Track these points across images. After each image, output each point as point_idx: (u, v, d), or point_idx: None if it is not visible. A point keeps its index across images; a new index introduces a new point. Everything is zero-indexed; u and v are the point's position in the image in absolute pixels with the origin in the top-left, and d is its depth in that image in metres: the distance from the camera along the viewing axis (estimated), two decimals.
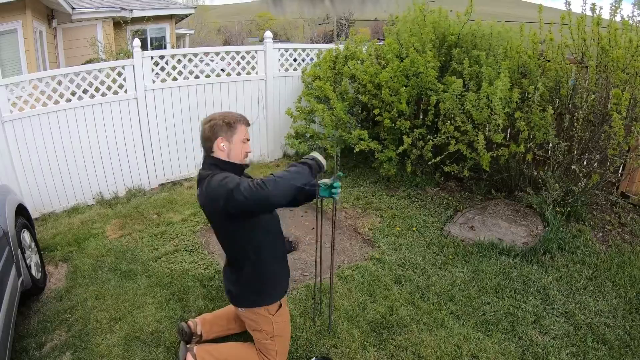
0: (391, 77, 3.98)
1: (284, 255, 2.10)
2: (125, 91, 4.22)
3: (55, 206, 4.08)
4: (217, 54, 4.86)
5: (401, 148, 4.00)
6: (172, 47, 11.09)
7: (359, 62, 4.46)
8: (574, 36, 3.40)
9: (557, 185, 3.38)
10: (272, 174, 1.69)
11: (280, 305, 2.04)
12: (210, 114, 1.94)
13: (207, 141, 1.87)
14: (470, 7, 3.98)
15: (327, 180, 1.97)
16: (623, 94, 2.92)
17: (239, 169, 1.90)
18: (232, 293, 2.03)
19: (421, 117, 4.42)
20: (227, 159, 1.87)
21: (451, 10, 4.43)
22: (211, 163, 1.87)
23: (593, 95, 3.24)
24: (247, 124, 1.93)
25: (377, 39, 5.52)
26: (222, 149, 1.86)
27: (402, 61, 4.05)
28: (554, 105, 3.48)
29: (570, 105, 3.49)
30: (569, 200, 3.50)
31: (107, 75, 4.08)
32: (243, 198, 1.61)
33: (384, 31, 5.07)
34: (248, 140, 1.93)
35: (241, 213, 1.73)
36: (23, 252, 2.65)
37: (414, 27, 4.30)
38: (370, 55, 4.42)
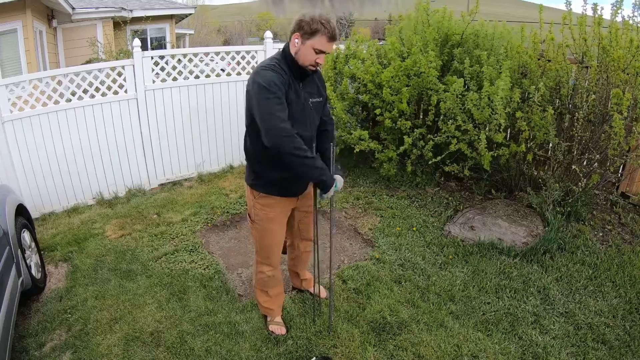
0: (392, 77, 3.98)
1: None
2: (126, 91, 4.21)
3: (55, 206, 4.08)
4: (217, 54, 4.85)
5: (402, 148, 4.00)
6: (172, 47, 11.08)
7: (359, 61, 4.46)
8: (575, 36, 3.40)
9: (557, 185, 3.38)
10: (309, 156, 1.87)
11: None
12: (310, 12, 1.94)
13: (291, 29, 1.95)
14: (476, 7, 3.98)
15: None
16: (624, 94, 2.92)
17: (298, 70, 1.97)
18: None
19: (422, 116, 4.41)
20: (294, 55, 1.95)
21: (452, 10, 4.43)
22: (284, 48, 1.99)
23: (593, 95, 3.24)
24: (331, 38, 1.90)
25: (377, 39, 5.51)
26: (294, 45, 1.94)
27: (403, 61, 4.05)
28: (554, 105, 3.48)
29: (570, 105, 3.49)
30: (569, 200, 3.50)
31: (107, 75, 4.08)
32: (266, 124, 1.83)
33: (385, 31, 5.07)
34: (322, 52, 1.92)
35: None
36: (23, 252, 2.65)
37: (418, 26, 4.30)
38: (371, 54, 4.42)
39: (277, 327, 2.45)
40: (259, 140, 1.91)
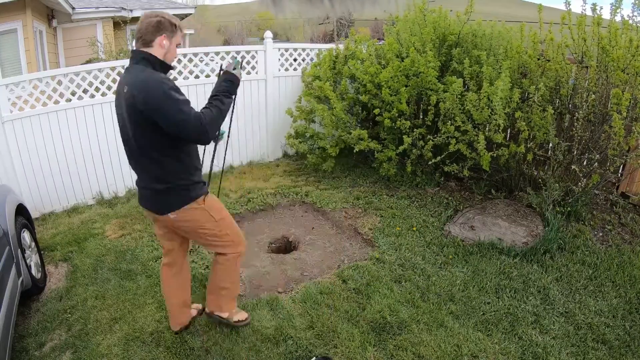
0: (391, 77, 3.98)
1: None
2: None
3: (55, 206, 4.08)
4: (217, 53, 4.86)
5: (401, 148, 4.00)
6: None
7: (359, 61, 4.46)
8: (574, 36, 3.40)
9: (557, 185, 3.38)
10: (209, 107, 1.89)
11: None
12: (154, 11, 1.98)
13: (149, 34, 1.87)
14: (471, 6, 3.97)
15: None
16: (623, 94, 2.92)
17: (167, 69, 1.97)
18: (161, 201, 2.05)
19: (421, 117, 4.42)
20: (162, 57, 1.90)
21: (451, 10, 4.42)
22: (143, 57, 1.87)
23: (593, 95, 3.24)
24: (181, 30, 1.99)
25: (377, 39, 5.52)
26: (163, 46, 1.89)
27: (402, 61, 4.05)
28: (554, 105, 3.49)
29: (570, 105, 3.49)
30: (569, 200, 3.50)
31: (107, 75, 4.09)
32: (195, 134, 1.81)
33: (384, 31, 5.07)
34: (179, 45, 1.98)
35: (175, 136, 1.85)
36: (23, 252, 2.65)
37: (414, 27, 4.30)
38: (370, 55, 4.42)
39: (243, 314, 2.48)
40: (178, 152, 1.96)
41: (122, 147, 2.04)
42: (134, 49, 1.91)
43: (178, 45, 1.97)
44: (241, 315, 2.46)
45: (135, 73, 1.85)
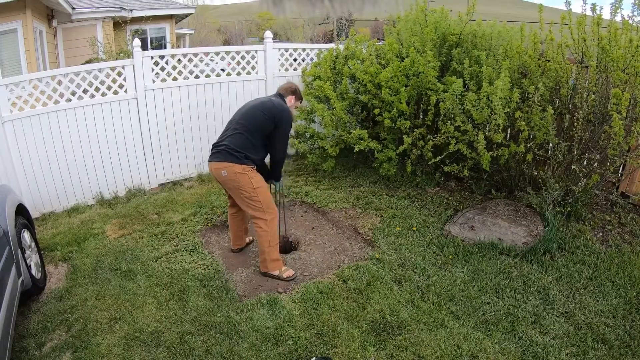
0: (391, 77, 3.98)
1: None
2: (126, 91, 4.22)
3: (55, 206, 4.08)
4: (217, 54, 4.86)
5: (401, 148, 4.00)
6: (172, 47, 11.07)
7: (359, 61, 4.46)
8: (574, 36, 3.40)
9: (557, 185, 3.38)
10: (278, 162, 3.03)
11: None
12: (293, 83, 3.17)
13: (286, 91, 3.05)
14: (473, 7, 3.96)
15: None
16: (623, 94, 2.92)
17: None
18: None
19: (421, 117, 4.42)
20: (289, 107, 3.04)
21: (451, 10, 4.42)
22: (279, 96, 3.04)
23: (593, 95, 3.24)
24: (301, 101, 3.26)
25: (377, 39, 5.52)
26: (289, 102, 3.04)
27: (402, 61, 4.05)
28: (554, 105, 3.49)
29: (570, 105, 3.49)
30: (569, 200, 3.50)
31: (107, 75, 4.09)
32: (284, 146, 2.95)
33: (384, 31, 5.07)
34: (296, 108, 3.20)
35: (271, 133, 2.88)
36: (23, 252, 2.65)
37: (415, 27, 4.30)
38: (370, 55, 4.42)
39: (290, 271, 2.99)
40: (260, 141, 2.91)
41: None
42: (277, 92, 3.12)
43: (296, 108, 3.18)
44: (289, 273, 2.99)
45: None
